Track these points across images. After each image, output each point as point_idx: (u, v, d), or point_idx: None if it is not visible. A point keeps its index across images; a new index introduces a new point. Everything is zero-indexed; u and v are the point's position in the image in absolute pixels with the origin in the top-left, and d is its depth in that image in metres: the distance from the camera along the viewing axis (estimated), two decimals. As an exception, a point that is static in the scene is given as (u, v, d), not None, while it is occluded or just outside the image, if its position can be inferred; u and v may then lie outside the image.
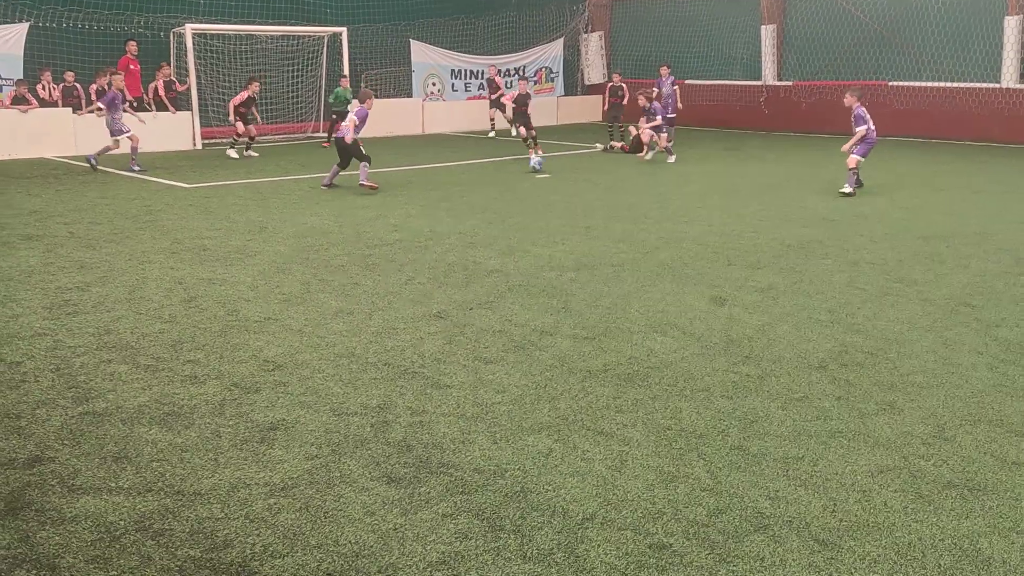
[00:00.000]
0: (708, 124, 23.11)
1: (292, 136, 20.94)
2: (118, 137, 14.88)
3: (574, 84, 26.90)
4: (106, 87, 17.96)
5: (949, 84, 18.59)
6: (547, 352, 5.73)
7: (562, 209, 11.39)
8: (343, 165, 13.02)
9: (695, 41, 23.62)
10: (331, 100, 19.35)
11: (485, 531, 3.50)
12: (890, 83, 19.42)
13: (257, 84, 17.52)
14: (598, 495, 3.79)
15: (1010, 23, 17.95)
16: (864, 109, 12.32)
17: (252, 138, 17.39)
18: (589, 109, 26.28)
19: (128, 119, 15.13)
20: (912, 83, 19.04)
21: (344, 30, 20.52)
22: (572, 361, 5.56)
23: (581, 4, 26.29)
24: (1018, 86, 18.02)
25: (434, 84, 23.75)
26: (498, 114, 21.55)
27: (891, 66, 19.99)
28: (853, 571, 3.22)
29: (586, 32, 26.47)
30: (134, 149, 15.06)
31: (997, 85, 17.91)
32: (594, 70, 26.58)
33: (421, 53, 23.18)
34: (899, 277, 7.72)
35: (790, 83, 22.04)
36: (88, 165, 14.92)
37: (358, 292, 7.19)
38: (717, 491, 3.84)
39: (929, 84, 18.69)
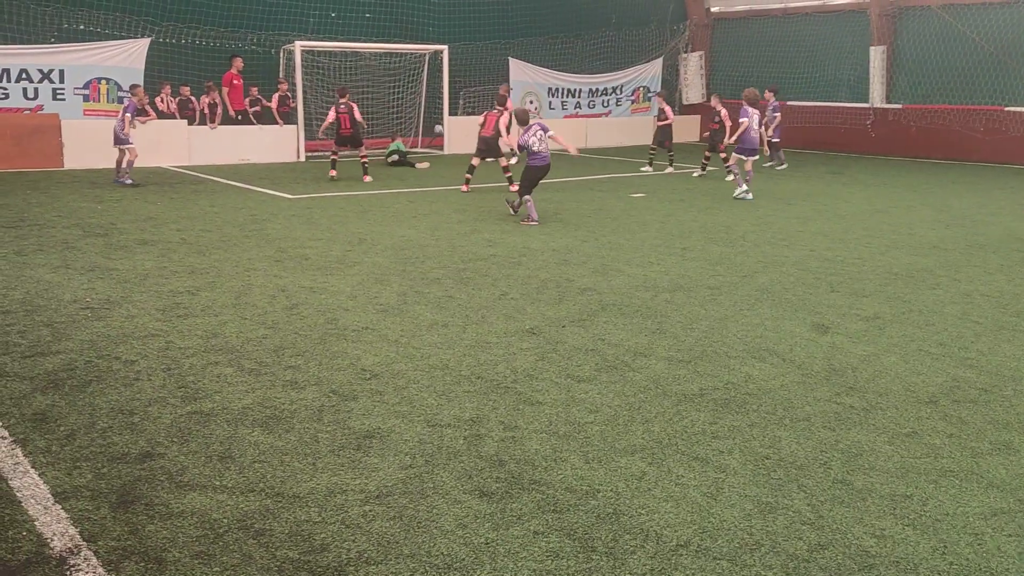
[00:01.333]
0: (812, 147, 22.54)
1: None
2: (121, 147, 14.79)
3: (672, 104, 26.66)
4: (217, 100, 18.74)
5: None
6: (641, 373, 5.66)
7: (657, 229, 11.27)
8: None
9: (799, 62, 23.10)
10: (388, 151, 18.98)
11: (577, 551, 3.47)
12: (1006, 108, 18.55)
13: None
14: (693, 522, 3.71)
15: None
16: None
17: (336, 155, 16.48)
18: (687, 128, 25.97)
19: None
20: (1031, 108, 18.13)
21: (445, 48, 20.90)
22: (666, 384, 5.47)
23: (682, 24, 26.08)
24: None
25: (531, 102, 23.91)
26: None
27: (1008, 91, 19.10)
28: (966, 619, 3.06)
29: (686, 52, 26.23)
30: (130, 163, 14.90)
31: None
32: (693, 90, 26.31)
33: (520, 71, 23.40)
34: (1016, 311, 7.33)
35: (899, 106, 21.29)
36: (125, 185, 14.73)
37: (452, 305, 7.27)
38: (819, 526, 3.71)
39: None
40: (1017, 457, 4.43)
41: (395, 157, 18.90)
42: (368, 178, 16.09)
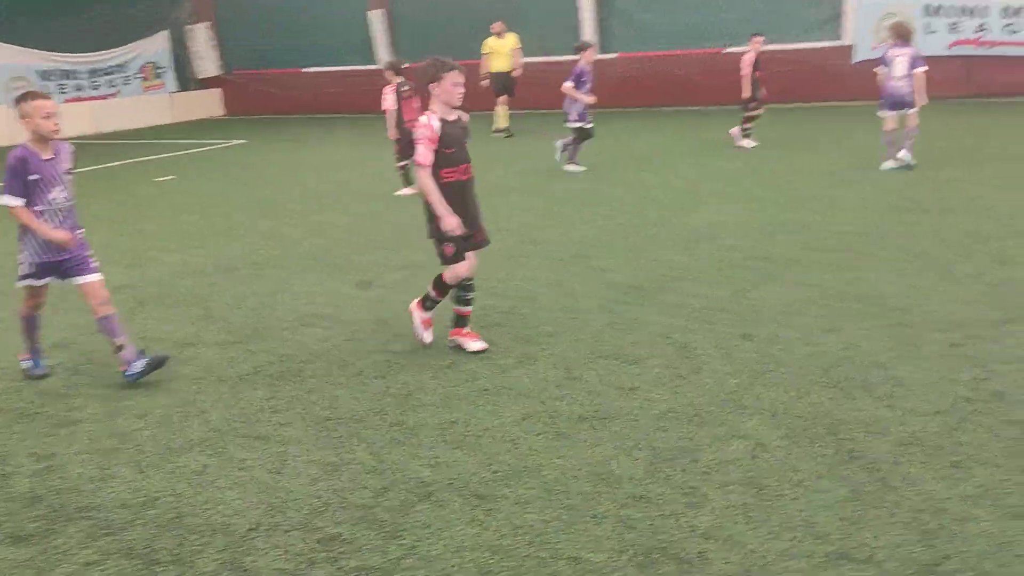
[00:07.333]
0: (334, 110, 23.03)
1: None
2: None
3: (188, 78, 25.32)
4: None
5: (558, 58, 19.93)
6: (191, 365, 5.39)
7: (197, 211, 10.73)
8: None
9: (308, 29, 23.29)
10: None
11: (139, 569, 3.23)
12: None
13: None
14: (260, 502, 3.66)
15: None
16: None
17: None
18: (209, 104, 24.97)
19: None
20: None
21: None
22: (220, 369, 5.29)
23: (182, -7, 24.76)
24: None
25: (20, 88, 21.00)
26: None
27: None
28: (510, 516, 3.47)
29: (191, 24, 24.98)
30: None
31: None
32: (206, 63, 25.23)
33: (4, 55, 20.37)
34: (528, 238, 8.35)
35: (406, 64, 22.67)
36: None
37: (-48, 334, 6.18)
38: (380, 471, 3.90)
39: (538, 59, 19.74)
40: (537, 365, 5.09)
41: None
42: None
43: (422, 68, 5.14)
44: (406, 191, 11.03)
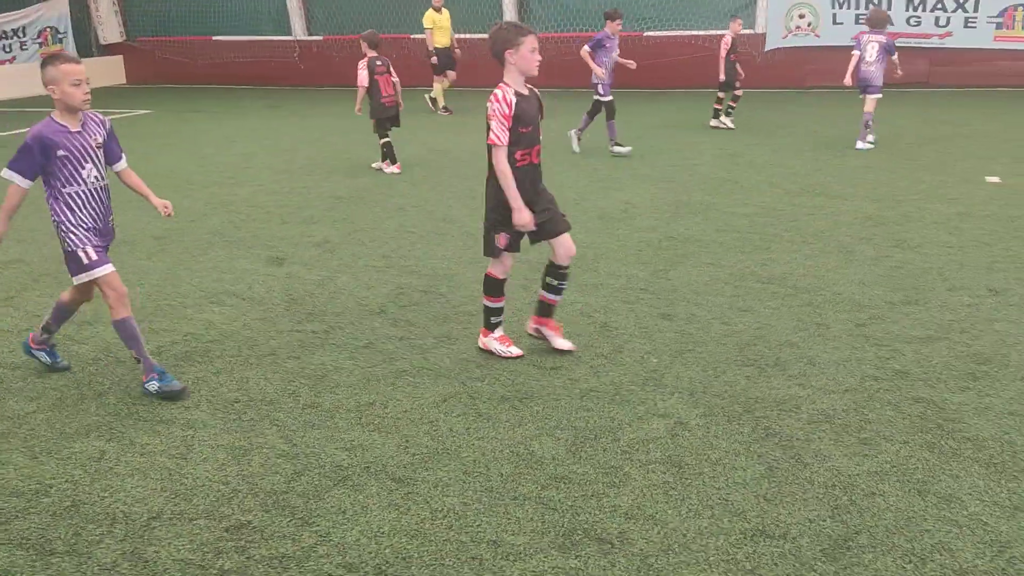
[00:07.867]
0: (244, 81, 22.35)
1: None
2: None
3: (88, 45, 24.08)
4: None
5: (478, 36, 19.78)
6: (87, 344, 5.11)
7: (90, 183, 10.18)
8: None
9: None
10: None
11: (33, 560, 3.02)
12: (412, 36, 20.50)
13: None
14: (164, 489, 3.48)
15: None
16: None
17: None
18: (110, 71, 23.81)
19: None
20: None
21: None
22: (118, 349, 5.01)
23: (83, -45, 23.47)
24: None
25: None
26: None
27: (410, 19, 21.04)
28: (429, 500, 3.39)
29: (93, -14, 23.75)
30: None
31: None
32: (109, 29, 24.04)
33: None
34: (443, 217, 8.23)
35: (320, 37, 22.15)
36: None
37: None
38: (293, 455, 3.76)
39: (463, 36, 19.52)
40: (457, 345, 5.00)
41: None
42: None
43: (494, 34, 4.50)
44: (393, 168, 10.56)
